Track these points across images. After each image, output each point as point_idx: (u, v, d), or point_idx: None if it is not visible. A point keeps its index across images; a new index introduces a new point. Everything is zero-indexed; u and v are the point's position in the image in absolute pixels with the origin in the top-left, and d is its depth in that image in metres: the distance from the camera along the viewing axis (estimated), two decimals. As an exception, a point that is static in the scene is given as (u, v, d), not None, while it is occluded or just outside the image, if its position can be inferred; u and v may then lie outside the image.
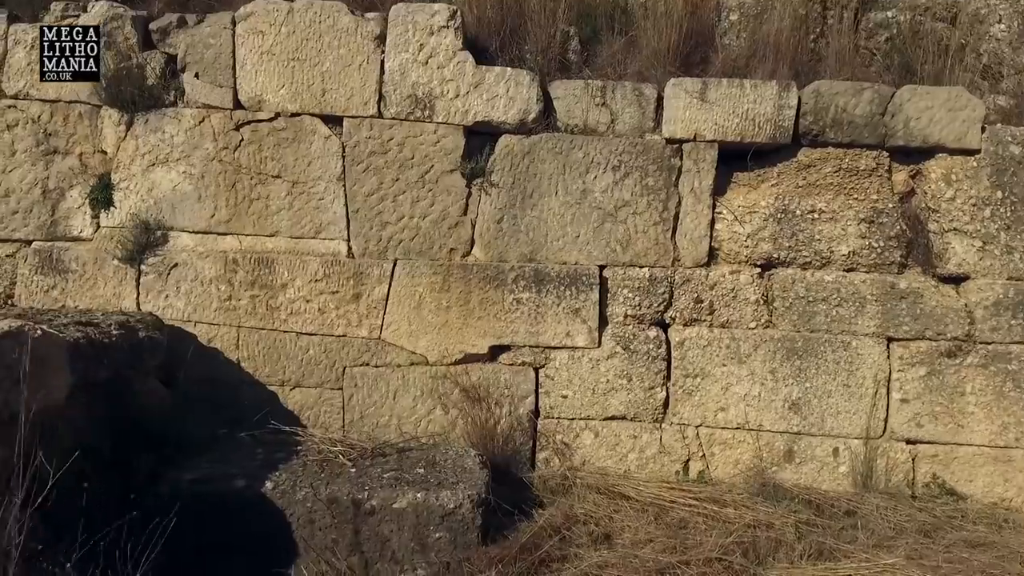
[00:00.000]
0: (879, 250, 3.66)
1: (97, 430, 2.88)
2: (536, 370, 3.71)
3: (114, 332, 3.09)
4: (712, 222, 3.71)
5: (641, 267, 3.69)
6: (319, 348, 3.72)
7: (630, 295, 3.68)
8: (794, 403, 3.68)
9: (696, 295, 3.67)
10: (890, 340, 3.68)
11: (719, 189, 3.72)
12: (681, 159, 3.68)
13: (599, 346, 3.68)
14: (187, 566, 2.68)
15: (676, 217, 3.70)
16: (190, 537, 2.74)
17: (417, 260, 3.70)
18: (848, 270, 3.69)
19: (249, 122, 3.73)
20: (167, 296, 3.73)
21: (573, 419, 3.72)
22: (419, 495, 2.86)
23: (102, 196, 3.80)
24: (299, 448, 3.26)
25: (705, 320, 3.71)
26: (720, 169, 3.69)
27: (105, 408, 2.96)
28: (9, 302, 3.81)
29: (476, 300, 3.66)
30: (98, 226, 3.82)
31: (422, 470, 3.08)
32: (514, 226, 3.70)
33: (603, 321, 3.70)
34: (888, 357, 3.67)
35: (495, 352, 3.72)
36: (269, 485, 2.88)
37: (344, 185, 3.71)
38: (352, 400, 3.71)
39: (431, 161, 3.70)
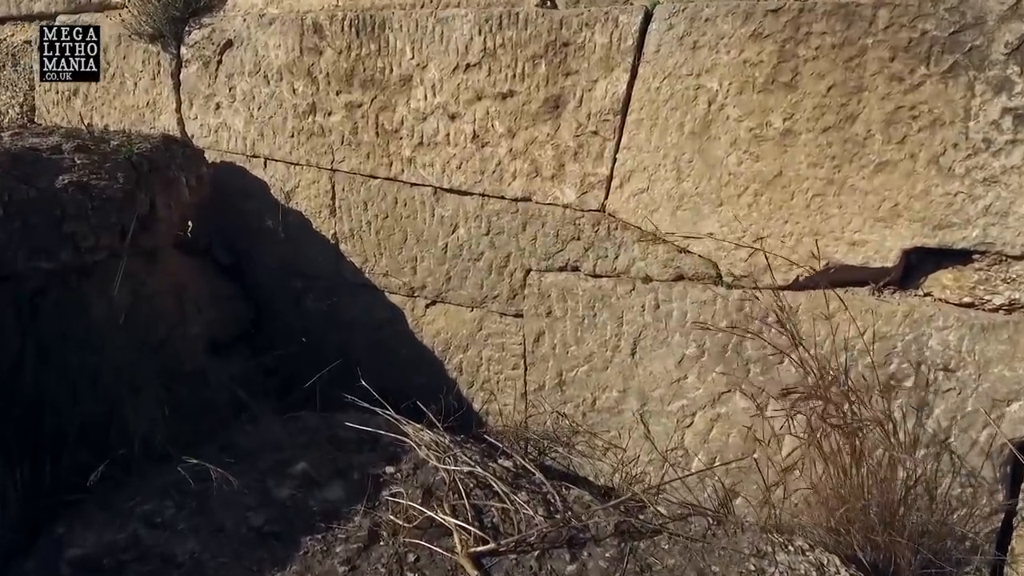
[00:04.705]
0: None
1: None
2: (1051, 328, 1.26)
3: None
4: None
5: None
6: (476, 225, 1.67)
7: None
8: None
9: None
10: None
11: None
12: None
13: None
14: None
15: None
16: None
17: None
18: None
19: None
20: (218, 106, 1.95)
21: None
22: None
23: (125, -82, 2.06)
24: (389, 475, 1.33)
25: None
26: None
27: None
28: (31, 119, 2.37)
29: (876, 113, 1.26)
30: (130, -20, 2.13)
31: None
32: None
33: None
34: None
35: (916, 264, 1.33)
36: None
37: None
38: (542, 344, 1.65)
39: None
